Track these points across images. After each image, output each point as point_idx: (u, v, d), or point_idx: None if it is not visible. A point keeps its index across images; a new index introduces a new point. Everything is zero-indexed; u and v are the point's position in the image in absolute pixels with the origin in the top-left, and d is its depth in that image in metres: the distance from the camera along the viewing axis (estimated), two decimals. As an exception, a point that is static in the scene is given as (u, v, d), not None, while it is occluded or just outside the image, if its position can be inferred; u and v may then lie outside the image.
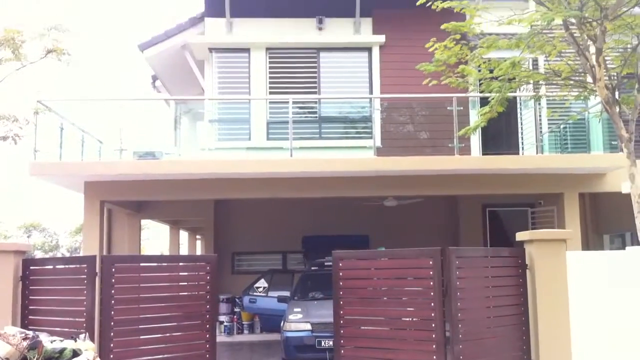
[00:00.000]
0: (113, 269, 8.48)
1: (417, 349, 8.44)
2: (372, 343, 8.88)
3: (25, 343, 5.05)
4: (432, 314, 8.29)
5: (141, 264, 9.19)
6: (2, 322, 7.68)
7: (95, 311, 8.27)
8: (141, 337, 8.48)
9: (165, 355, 8.45)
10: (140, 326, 8.48)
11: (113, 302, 8.34)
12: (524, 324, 9.28)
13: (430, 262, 8.44)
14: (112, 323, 8.15)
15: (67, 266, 9.33)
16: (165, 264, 9.73)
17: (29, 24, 8.84)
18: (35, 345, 5.08)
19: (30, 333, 5.37)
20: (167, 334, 8.65)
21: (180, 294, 8.94)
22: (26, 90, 11.38)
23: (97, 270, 8.50)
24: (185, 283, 9.17)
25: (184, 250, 24.89)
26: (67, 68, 9.33)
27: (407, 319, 8.65)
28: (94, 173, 12.50)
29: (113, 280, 8.41)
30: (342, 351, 8.94)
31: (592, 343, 9.24)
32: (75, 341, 5.90)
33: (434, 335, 8.25)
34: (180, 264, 9.91)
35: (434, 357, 8.17)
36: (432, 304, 8.29)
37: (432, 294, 8.34)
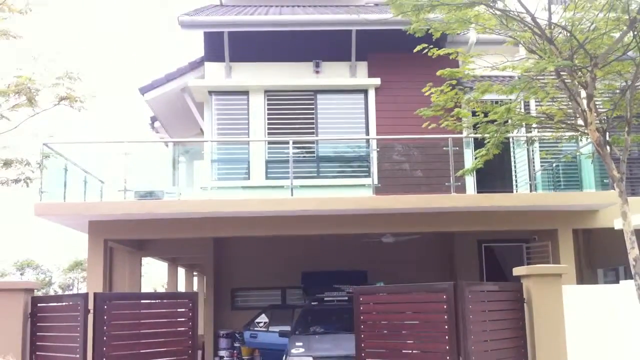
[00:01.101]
0: (105, 306, 8.76)
1: None
2: None
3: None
4: (447, 347, 8.57)
5: (132, 302, 9.49)
6: (12, 357, 7.90)
7: (89, 347, 8.53)
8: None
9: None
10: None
11: (105, 338, 8.62)
12: (524, 356, 9.58)
13: (444, 297, 8.73)
14: (104, 359, 8.39)
15: (65, 303, 9.59)
16: (156, 302, 10.01)
17: (35, 69, 9.18)
18: None
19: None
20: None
21: (167, 330, 9.30)
22: (39, 135, 11.74)
23: (90, 307, 8.77)
24: (172, 319, 9.48)
25: (181, 287, 24.96)
26: (78, 113, 9.70)
27: (423, 352, 8.95)
28: (98, 213, 12.77)
29: (105, 317, 8.70)
30: None
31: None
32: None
33: None
34: (165, 301, 10.26)
35: None
36: (447, 337, 8.59)
37: (446, 327, 8.63)
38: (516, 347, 9.57)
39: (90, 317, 8.74)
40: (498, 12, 8.69)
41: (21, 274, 55.80)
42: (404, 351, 9.18)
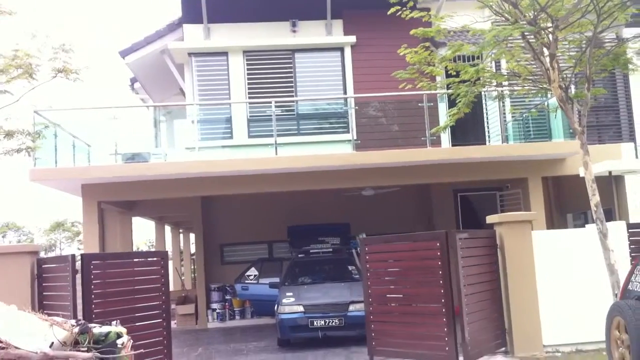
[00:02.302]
0: (91, 266, 9.42)
1: (430, 322, 9.74)
2: (394, 318, 10.35)
3: (76, 329, 5.77)
4: (441, 290, 9.49)
5: (113, 262, 10.06)
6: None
7: (78, 304, 9.15)
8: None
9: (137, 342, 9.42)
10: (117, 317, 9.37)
11: (93, 296, 9.25)
12: (499, 296, 10.46)
13: (437, 244, 9.54)
14: (93, 316, 8.94)
15: (59, 265, 10.13)
16: (133, 260, 10.66)
17: (33, 45, 9.49)
18: (85, 330, 5.74)
19: (78, 320, 6.19)
20: (137, 323, 9.49)
21: (143, 287, 9.95)
22: (38, 107, 12.13)
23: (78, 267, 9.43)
24: (146, 277, 10.15)
25: (168, 244, 25.60)
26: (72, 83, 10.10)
27: (421, 296, 9.96)
28: (90, 176, 13.27)
29: (92, 277, 9.35)
30: (373, 325, 10.42)
31: (556, 307, 10.42)
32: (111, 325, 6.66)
33: (443, 310, 9.52)
34: (140, 259, 11.02)
35: (445, 329, 9.46)
36: (441, 281, 9.48)
37: (440, 272, 9.50)
38: (492, 289, 10.45)
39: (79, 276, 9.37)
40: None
41: (3, 237, 56.03)
42: (403, 295, 10.17)
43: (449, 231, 9.86)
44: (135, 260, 10.69)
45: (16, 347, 5.18)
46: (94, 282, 9.30)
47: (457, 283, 9.55)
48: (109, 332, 5.91)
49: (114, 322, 6.94)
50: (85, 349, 5.51)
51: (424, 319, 9.93)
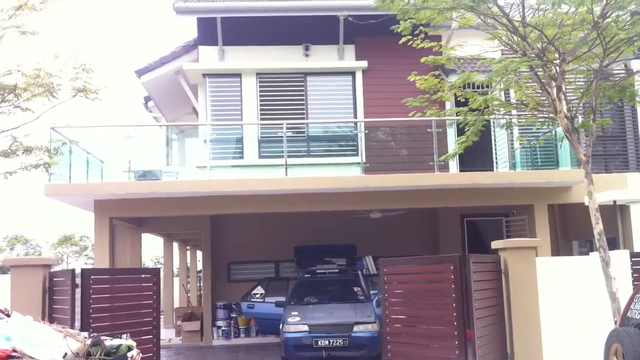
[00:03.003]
0: (90, 281, 9.64)
1: (443, 345, 9.81)
2: (409, 339, 10.37)
3: (89, 341, 5.92)
4: (454, 314, 9.61)
5: (112, 277, 10.46)
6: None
7: (76, 319, 9.34)
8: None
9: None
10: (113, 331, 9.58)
11: (91, 310, 9.45)
12: (503, 321, 10.58)
13: (451, 267, 9.69)
14: (91, 329, 8.89)
15: (63, 279, 10.25)
16: (130, 276, 10.92)
17: (56, 65, 9.82)
18: (97, 342, 5.85)
19: (90, 333, 6.36)
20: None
21: (138, 302, 10.19)
22: (57, 124, 12.45)
23: (78, 282, 9.58)
24: (143, 293, 10.43)
25: (176, 260, 25.79)
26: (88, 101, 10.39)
27: (434, 319, 10.08)
28: (103, 192, 13.52)
29: (90, 291, 9.57)
30: (389, 346, 10.47)
31: (559, 335, 10.51)
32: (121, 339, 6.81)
33: (455, 333, 9.58)
34: (141, 275, 11.15)
35: (457, 352, 9.50)
36: (454, 305, 9.60)
37: (453, 295, 9.63)
38: (497, 314, 10.56)
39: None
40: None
41: (11, 249, 56.28)
42: (418, 317, 10.39)
43: (462, 255, 10.01)
44: (130, 276, 10.95)
45: (30, 357, 5.29)
46: (92, 296, 9.54)
47: (469, 307, 9.67)
48: (120, 345, 6.03)
49: (123, 336, 7.09)
50: None
51: (437, 342, 10.03)
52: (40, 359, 5.27)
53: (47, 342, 5.56)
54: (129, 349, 6.08)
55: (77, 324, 9.25)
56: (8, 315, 6.16)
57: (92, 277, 9.70)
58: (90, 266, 39.59)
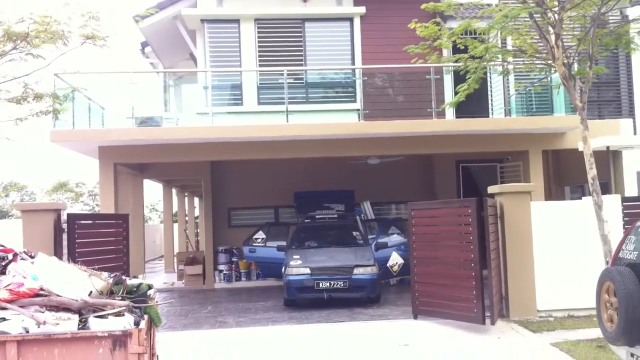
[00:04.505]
0: (75, 226, 10.60)
1: (462, 285, 10.34)
2: (434, 279, 10.93)
3: (112, 280, 6.24)
4: (472, 255, 10.16)
5: (95, 222, 11.69)
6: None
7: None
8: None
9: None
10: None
11: (77, 254, 10.14)
12: (500, 260, 11.09)
13: (469, 211, 10.15)
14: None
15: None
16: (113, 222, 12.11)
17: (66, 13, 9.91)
18: (119, 281, 6.16)
19: (111, 273, 6.68)
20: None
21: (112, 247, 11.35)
22: (66, 71, 12.62)
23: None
24: (115, 238, 11.57)
25: (175, 206, 26.11)
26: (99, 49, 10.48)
27: (454, 259, 10.61)
28: (107, 139, 13.74)
29: (76, 235, 10.54)
30: (416, 286, 11.19)
31: (551, 275, 10.98)
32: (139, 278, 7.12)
33: (473, 273, 10.13)
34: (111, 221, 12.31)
35: (474, 291, 10.08)
36: (472, 247, 10.13)
37: (471, 238, 10.13)
38: (498, 257, 11.04)
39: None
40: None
41: (6, 196, 56.42)
42: (440, 258, 10.89)
43: (480, 198, 10.46)
44: (106, 222, 12.11)
45: (58, 295, 5.58)
46: (77, 240, 10.48)
47: (487, 249, 10.27)
48: (140, 284, 6.35)
49: (140, 276, 7.41)
50: (120, 298, 5.91)
51: (457, 282, 10.50)
52: (67, 296, 5.57)
53: (71, 281, 5.85)
54: (149, 287, 6.40)
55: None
56: (32, 257, 6.45)
57: (77, 221, 10.76)
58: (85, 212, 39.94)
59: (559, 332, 9.86)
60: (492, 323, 10.27)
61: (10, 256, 6.19)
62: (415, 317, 11.17)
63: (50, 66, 10.64)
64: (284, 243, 15.32)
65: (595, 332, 9.06)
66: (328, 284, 12.89)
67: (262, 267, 16.78)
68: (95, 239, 11.17)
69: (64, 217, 10.72)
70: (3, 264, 6.02)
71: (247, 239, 16.41)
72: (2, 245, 6.49)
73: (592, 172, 9.46)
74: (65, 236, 10.55)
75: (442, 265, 10.75)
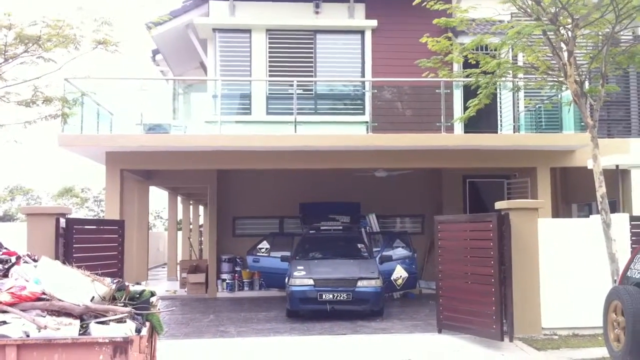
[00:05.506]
0: (74, 230, 10.70)
1: (482, 300, 10.31)
2: (457, 294, 10.89)
3: (114, 285, 6.19)
4: (491, 271, 10.14)
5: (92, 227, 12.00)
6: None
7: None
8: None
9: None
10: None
11: (73, 259, 10.03)
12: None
13: (490, 225, 10.12)
14: None
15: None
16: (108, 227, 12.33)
17: (79, 18, 9.95)
18: (122, 287, 6.12)
19: (114, 278, 6.64)
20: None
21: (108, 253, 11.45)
22: (78, 76, 12.67)
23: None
24: (111, 244, 11.70)
25: (180, 214, 26.08)
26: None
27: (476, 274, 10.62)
28: (115, 144, 13.74)
29: (73, 240, 10.65)
30: (441, 300, 11.17)
31: (557, 292, 10.88)
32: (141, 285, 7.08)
33: (492, 289, 10.11)
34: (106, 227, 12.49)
35: (493, 307, 10.03)
36: (492, 262, 10.12)
37: (492, 253, 10.12)
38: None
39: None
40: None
41: (11, 199, 56.56)
42: (463, 273, 10.88)
43: (500, 213, 10.45)
44: (103, 227, 12.31)
45: (59, 300, 5.53)
46: (74, 245, 10.55)
47: (507, 264, 10.29)
48: (143, 290, 6.30)
49: (143, 283, 7.37)
50: (122, 304, 5.85)
51: (477, 297, 10.46)
52: (69, 301, 5.52)
53: (74, 286, 5.80)
54: (152, 294, 6.35)
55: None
56: (35, 260, 6.41)
57: (75, 226, 10.85)
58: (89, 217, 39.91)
59: (564, 350, 9.75)
60: (511, 340, 10.19)
61: (13, 259, 6.15)
62: (440, 332, 11.13)
63: (61, 70, 10.63)
64: (288, 253, 15.26)
65: (600, 352, 8.98)
66: (331, 296, 12.81)
67: (265, 277, 16.72)
68: (91, 245, 11.15)
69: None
70: (6, 266, 5.99)
71: (251, 248, 16.38)
72: (5, 248, 6.47)
73: (601, 190, 9.39)
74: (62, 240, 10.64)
75: (464, 279, 10.76)
